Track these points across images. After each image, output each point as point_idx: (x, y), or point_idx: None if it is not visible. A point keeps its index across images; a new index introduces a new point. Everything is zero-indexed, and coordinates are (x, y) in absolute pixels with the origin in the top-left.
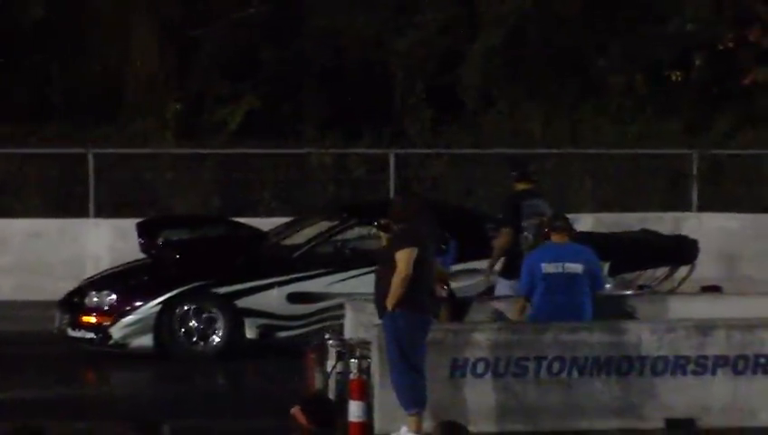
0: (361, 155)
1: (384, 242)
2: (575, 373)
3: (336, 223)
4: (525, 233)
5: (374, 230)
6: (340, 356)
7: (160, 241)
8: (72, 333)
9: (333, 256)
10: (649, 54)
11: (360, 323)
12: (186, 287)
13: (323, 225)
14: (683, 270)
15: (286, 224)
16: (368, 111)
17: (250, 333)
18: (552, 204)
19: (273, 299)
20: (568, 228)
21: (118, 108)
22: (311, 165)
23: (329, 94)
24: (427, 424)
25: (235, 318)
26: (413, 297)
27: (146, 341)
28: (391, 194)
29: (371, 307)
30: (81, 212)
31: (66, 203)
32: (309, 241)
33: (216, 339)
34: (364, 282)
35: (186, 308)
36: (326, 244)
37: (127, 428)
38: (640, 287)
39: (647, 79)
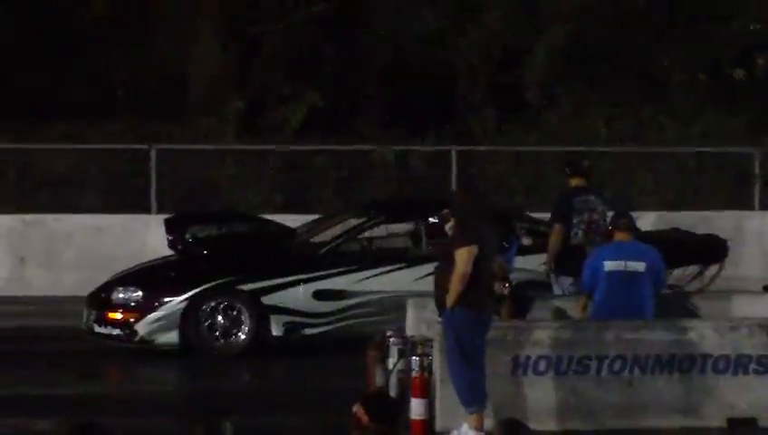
0: (423, 152)
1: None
2: (637, 372)
3: (363, 220)
4: (575, 229)
5: (400, 227)
6: (402, 353)
7: (188, 237)
8: (98, 329)
9: (359, 254)
10: (712, 53)
11: (421, 320)
12: (211, 284)
13: (350, 222)
14: (713, 269)
15: (315, 221)
16: (430, 109)
17: (276, 330)
18: (606, 200)
19: (298, 296)
20: (631, 227)
21: (180, 104)
22: (372, 162)
23: (391, 91)
24: (488, 422)
25: (261, 315)
26: (472, 295)
27: (171, 337)
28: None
29: (433, 304)
30: (143, 208)
31: (128, 199)
32: (335, 238)
33: (242, 336)
34: (390, 279)
35: (211, 305)
36: (352, 241)
37: (187, 424)
38: (670, 287)
39: (709, 77)
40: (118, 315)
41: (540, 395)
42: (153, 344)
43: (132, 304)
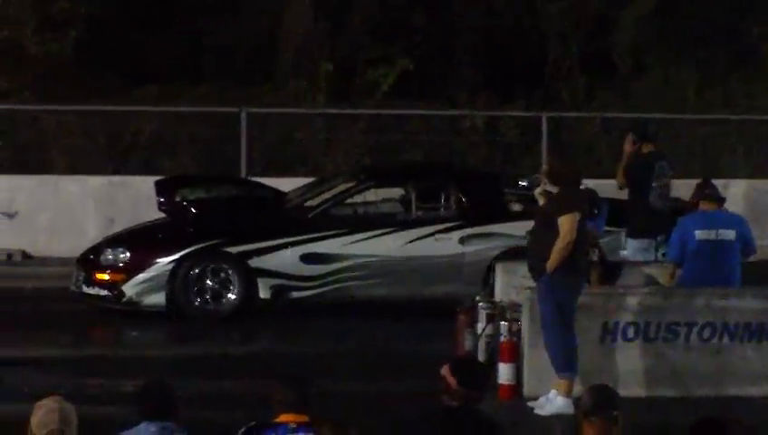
0: (514, 118)
1: (541, 203)
2: (726, 339)
3: (352, 184)
4: (653, 193)
5: (390, 192)
6: (491, 318)
7: (179, 199)
8: (86, 290)
9: (348, 218)
10: None
11: (510, 286)
12: (199, 246)
13: (341, 186)
14: None
15: (308, 185)
16: (520, 75)
17: (263, 293)
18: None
19: (286, 259)
20: (717, 195)
21: (271, 68)
22: (462, 127)
23: (482, 57)
24: (577, 388)
25: (249, 278)
26: (572, 260)
27: (158, 299)
28: (543, 157)
29: (523, 269)
30: (232, 171)
31: (218, 162)
32: (324, 202)
33: (231, 298)
34: (378, 243)
35: (199, 267)
36: (342, 205)
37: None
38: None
39: None
40: (105, 276)
41: (628, 362)
42: (140, 306)
43: (120, 265)
